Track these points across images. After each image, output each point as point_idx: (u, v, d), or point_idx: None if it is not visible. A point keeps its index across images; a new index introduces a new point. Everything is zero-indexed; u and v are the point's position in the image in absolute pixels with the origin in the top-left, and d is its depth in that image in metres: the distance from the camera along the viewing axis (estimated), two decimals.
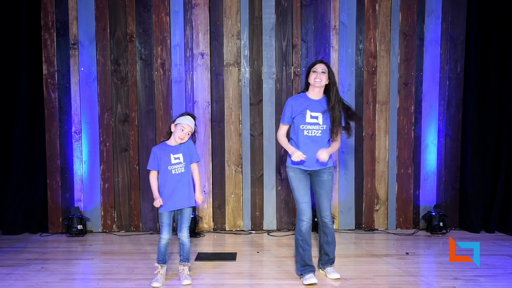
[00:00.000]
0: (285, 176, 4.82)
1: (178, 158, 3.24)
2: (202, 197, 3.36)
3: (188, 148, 3.28)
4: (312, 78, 3.17)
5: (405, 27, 4.73)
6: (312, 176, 3.27)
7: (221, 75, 4.77)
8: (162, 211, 3.25)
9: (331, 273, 3.30)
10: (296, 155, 3.08)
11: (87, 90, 4.73)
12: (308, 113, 3.16)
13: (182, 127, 3.21)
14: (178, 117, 3.27)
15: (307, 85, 3.25)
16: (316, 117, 3.16)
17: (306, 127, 3.16)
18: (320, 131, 3.16)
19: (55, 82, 4.69)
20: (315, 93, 3.20)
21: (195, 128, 3.30)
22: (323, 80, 3.16)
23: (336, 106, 3.15)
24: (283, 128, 3.30)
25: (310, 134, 3.16)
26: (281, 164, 4.81)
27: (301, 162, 3.17)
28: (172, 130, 3.26)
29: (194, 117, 3.31)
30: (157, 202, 3.27)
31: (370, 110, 4.77)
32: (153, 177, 3.30)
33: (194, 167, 3.34)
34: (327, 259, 3.34)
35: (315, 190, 3.29)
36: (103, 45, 4.69)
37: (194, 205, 3.35)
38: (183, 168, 3.24)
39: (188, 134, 3.24)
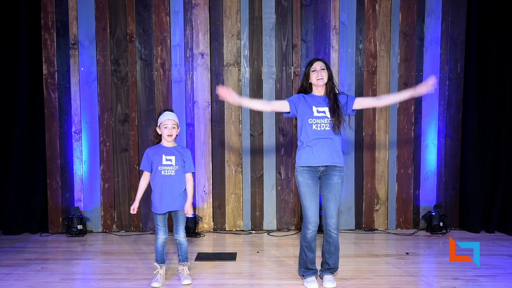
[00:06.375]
0: (285, 176, 4.83)
1: (170, 160, 3.22)
2: (191, 211, 3.31)
3: (186, 156, 3.28)
4: (313, 77, 3.16)
5: (405, 27, 4.74)
6: (322, 179, 3.19)
7: (221, 75, 4.77)
8: (155, 213, 3.25)
9: (327, 281, 3.19)
10: (228, 94, 3.14)
11: (87, 90, 4.73)
12: (314, 108, 3.14)
13: (165, 125, 3.20)
14: (158, 119, 3.27)
15: (310, 86, 3.22)
16: (323, 111, 3.14)
17: (314, 121, 3.13)
18: (328, 125, 3.13)
19: (55, 82, 4.69)
20: (319, 90, 3.20)
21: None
22: (324, 77, 3.15)
23: (333, 101, 3.14)
24: (281, 101, 3.29)
25: (318, 129, 3.12)
26: (281, 164, 4.81)
27: (311, 160, 3.13)
28: (160, 133, 3.26)
29: (171, 110, 3.30)
30: (132, 209, 3.28)
31: (370, 110, 4.76)
32: (143, 178, 3.30)
33: (189, 177, 3.31)
34: (327, 267, 3.26)
35: (322, 194, 3.20)
36: (103, 45, 4.69)
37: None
38: (173, 171, 3.22)
39: (174, 127, 3.22)
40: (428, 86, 3.14)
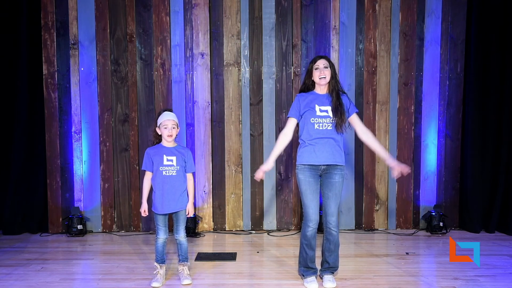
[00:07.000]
0: (285, 176, 4.83)
1: (171, 160, 3.23)
2: (193, 211, 3.34)
3: (187, 157, 3.29)
4: (316, 76, 3.14)
5: (405, 27, 4.74)
6: (323, 178, 3.19)
7: (221, 75, 4.77)
8: (156, 213, 3.25)
9: (327, 281, 3.18)
10: (260, 172, 3.21)
11: (87, 90, 4.73)
12: (317, 107, 3.12)
13: (165, 125, 3.21)
14: (157, 119, 3.28)
15: (312, 83, 3.20)
16: (326, 111, 3.12)
17: (316, 120, 3.11)
18: (330, 124, 3.11)
19: (55, 82, 4.69)
20: (321, 89, 3.19)
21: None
22: (327, 76, 3.13)
23: (336, 100, 3.13)
24: (289, 123, 3.22)
25: (320, 128, 3.10)
26: (281, 164, 4.81)
27: (313, 159, 3.12)
28: (160, 133, 3.26)
29: (170, 110, 3.31)
30: (143, 211, 3.29)
31: (370, 110, 4.77)
32: (146, 179, 3.30)
33: (190, 177, 3.33)
34: (327, 266, 3.26)
35: (323, 192, 3.20)
36: (103, 45, 4.70)
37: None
38: (174, 171, 3.22)
39: (174, 127, 3.23)
40: (398, 171, 3.09)
